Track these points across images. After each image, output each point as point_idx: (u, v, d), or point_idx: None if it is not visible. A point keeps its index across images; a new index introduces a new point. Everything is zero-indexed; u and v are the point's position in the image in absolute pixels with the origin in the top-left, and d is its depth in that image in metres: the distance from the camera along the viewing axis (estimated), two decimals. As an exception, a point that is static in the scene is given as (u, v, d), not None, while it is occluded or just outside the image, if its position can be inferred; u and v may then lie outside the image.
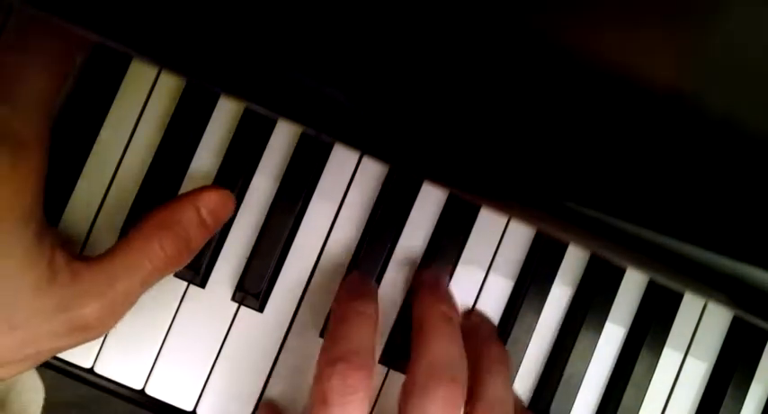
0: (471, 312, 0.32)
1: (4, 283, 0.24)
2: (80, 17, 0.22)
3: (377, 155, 0.25)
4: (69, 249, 0.27)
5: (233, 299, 0.31)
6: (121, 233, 0.31)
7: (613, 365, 0.33)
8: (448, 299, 0.30)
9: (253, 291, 0.31)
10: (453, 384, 0.26)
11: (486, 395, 0.28)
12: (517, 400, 0.32)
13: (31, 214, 0.24)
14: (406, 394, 0.26)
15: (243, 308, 0.31)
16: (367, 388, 0.26)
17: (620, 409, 0.32)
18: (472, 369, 0.28)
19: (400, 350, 0.31)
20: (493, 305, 0.32)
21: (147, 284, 0.27)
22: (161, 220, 0.27)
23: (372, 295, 0.30)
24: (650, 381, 0.32)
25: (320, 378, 0.26)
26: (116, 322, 0.27)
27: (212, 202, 0.28)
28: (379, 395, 0.32)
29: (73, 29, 0.22)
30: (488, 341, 0.30)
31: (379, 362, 0.32)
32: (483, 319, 0.32)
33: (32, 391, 0.30)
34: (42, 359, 0.27)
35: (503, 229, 0.32)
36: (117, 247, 0.27)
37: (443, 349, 0.27)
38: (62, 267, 0.25)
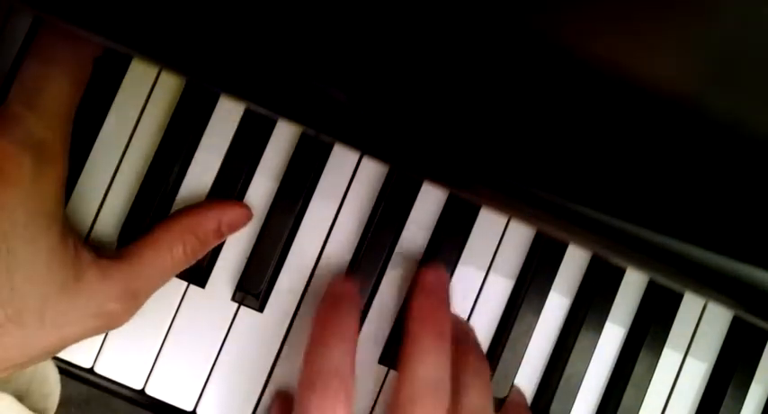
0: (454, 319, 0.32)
1: (33, 284, 0.25)
2: (82, 18, 0.22)
3: (377, 155, 0.25)
4: (93, 248, 0.28)
5: (233, 299, 0.31)
6: (122, 232, 0.31)
7: (613, 365, 0.33)
8: (444, 308, 0.30)
9: (253, 291, 0.31)
10: (438, 404, 0.27)
11: (466, 404, 0.28)
12: (522, 400, 0.32)
13: (55, 217, 0.26)
14: (392, 410, 0.27)
15: (243, 308, 0.31)
16: (345, 408, 0.26)
17: (620, 410, 0.32)
18: (453, 377, 0.28)
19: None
20: (493, 305, 0.32)
21: (165, 281, 0.30)
22: (188, 225, 0.30)
23: (353, 307, 0.30)
24: (650, 381, 0.32)
25: (300, 400, 0.27)
26: (132, 315, 0.29)
27: (233, 216, 0.31)
28: (378, 395, 0.32)
29: (74, 30, 0.22)
30: (469, 350, 0.30)
31: (379, 362, 0.32)
32: (463, 326, 0.32)
33: (52, 383, 0.30)
34: (65, 347, 0.28)
35: (503, 229, 0.32)
36: (143, 245, 0.29)
37: (431, 366, 0.28)
38: (88, 266, 0.27)
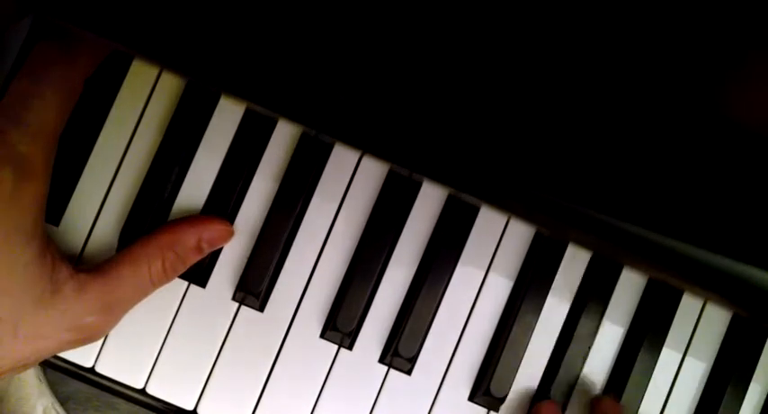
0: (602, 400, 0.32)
1: (9, 298, 0.25)
2: (83, 19, 0.22)
3: (377, 153, 0.25)
4: (72, 263, 0.28)
5: (233, 298, 0.32)
6: (122, 232, 0.31)
7: (612, 365, 0.33)
8: None
9: (253, 290, 0.31)
10: None
11: None
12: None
13: (34, 233, 0.26)
14: None
15: (243, 307, 0.32)
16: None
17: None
18: None
19: (398, 350, 0.31)
20: (492, 305, 0.32)
21: (144, 296, 0.30)
22: (167, 242, 0.29)
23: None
24: (649, 380, 0.32)
25: None
26: (112, 328, 0.30)
27: (214, 233, 0.30)
28: (379, 395, 0.32)
29: (76, 30, 0.22)
30: None
31: (379, 361, 0.32)
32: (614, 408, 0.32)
33: (30, 387, 0.31)
34: (41, 360, 0.28)
35: (503, 229, 0.32)
36: (121, 260, 0.29)
37: None
38: (65, 280, 0.27)
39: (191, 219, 0.31)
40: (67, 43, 0.27)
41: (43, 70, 0.26)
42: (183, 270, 0.30)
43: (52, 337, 0.27)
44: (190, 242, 0.30)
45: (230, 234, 0.31)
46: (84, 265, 0.31)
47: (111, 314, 0.29)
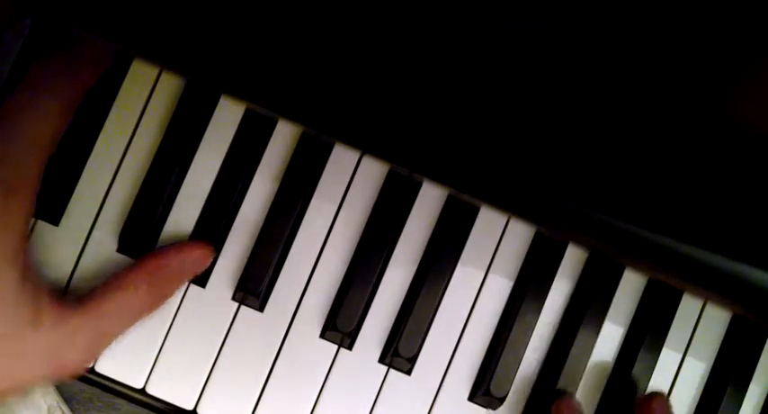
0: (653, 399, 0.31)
1: None
2: (84, 20, 0.22)
3: (376, 153, 0.25)
4: (55, 292, 0.27)
5: (233, 298, 0.32)
6: (123, 233, 0.31)
7: (612, 365, 0.33)
8: None
9: (253, 290, 0.31)
10: None
11: None
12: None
13: (16, 257, 0.25)
14: None
15: (243, 307, 0.32)
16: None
17: (619, 409, 0.32)
18: None
19: (398, 350, 0.31)
20: (492, 305, 0.32)
21: (126, 328, 0.29)
22: (149, 271, 0.29)
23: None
24: (649, 381, 0.32)
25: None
26: (90, 363, 0.29)
27: (194, 258, 0.30)
28: (379, 395, 0.32)
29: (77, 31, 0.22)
30: None
31: (379, 361, 0.32)
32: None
33: (10, 404, 0.30)
34: (17, 393, 0.28)
35: (503, 229, 0.32)
36: (104, 291, 0.28)
37: None
38: (47, 311, 0.26)
39: (171, 246, 0.30)
40: (70, 54, 0.27)
41: (44, 82, 0.26)
42: (169, 295, 0.30)
43: (29, 369, 0.25)
44: (171, 269, 0.29)
45: (210, 257, 0.31)
46: (84, 266, 0.31)
47: (92, 351, 0.28)
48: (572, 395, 0.32)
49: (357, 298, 0.31)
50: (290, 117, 0.28)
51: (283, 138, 0.32)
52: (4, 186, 0.24)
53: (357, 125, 0.23)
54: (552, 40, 0.20)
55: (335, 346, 0.32)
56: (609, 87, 0.21)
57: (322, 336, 0.32)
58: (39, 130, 0.25)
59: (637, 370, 0.32)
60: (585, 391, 0.33)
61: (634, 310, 0.33)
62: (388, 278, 0.32)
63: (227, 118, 0.31)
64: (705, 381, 0.33)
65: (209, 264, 0.31)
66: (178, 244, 0.30)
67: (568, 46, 0.20)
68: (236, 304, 0.32)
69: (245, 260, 0.31)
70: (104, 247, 0.31)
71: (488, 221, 0.32)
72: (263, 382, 0.31)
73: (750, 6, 0.19)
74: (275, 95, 0.24)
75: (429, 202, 0.32)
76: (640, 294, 0.33)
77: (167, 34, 0.22)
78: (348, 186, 0.32)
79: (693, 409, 0.33)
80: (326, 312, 0.32)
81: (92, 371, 0.31)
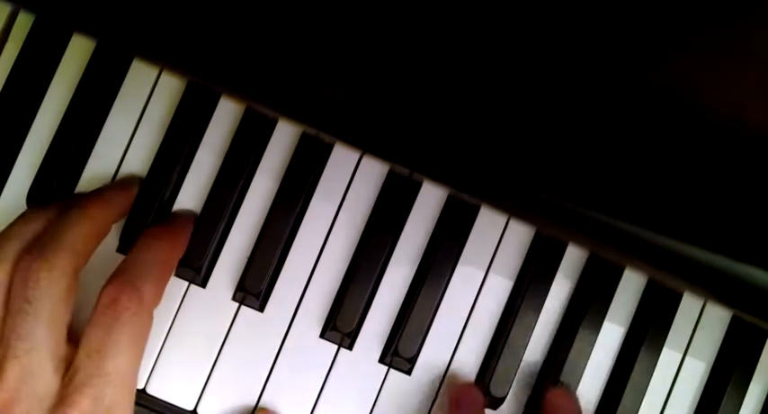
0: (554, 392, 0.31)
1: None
2: (84, 20, 0.22)
3: (377, 153, 0.25)
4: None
5: (234, 298, 0.32)
6: (123, 232, 0.31)
7: (612, 365, 0.33)
8: None
9: (253, 290, 0.31)
10: None
11: None
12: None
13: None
14: None
15: (243, 307, 0.32)
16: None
17: (619, 409, 0.32)
18: None
19: (398, 350, 0.31)
20: (492, 305, 0.32)
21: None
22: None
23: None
24: (649, 381, 0.32)
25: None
26: None
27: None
28: (379, 395, 0.32)
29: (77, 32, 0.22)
30: None
31: (379, 361, 0.32)
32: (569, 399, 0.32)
33: None
34: None
35: (502, 229, 0.32)
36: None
37: None
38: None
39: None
40: (134, 282, 0.27)
41: (114, 319, 0.26)
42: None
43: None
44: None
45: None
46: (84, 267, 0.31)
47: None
48: (564, 385, 0.32)
49: (357, 298, 0.31)
50: (291, 117, 0.28)
51: (283, 138, 0.32)
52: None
53: (357, 125, 0.23)
54: (548, 37, 0.20)
55: (335, 346, 0.32)
56: (608, 87, 0.21)
57: (322, 336, 0.32)
58: (121, 363, 0.26)
59: (637, 370, 0.32)
60: (586, 391, 0.32)
61: (634, 310, 0.33)
62: (388, 278, 0.32)
63: (227, 118, 0.31)
64: (705, 381, 0.33)
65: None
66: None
67: (567, 46, 0.20)
68: (236, 304, 0.32)
69: (245, 260, 0.31)
70: (106, 247, 0.31)
71: (488, 221, 0.32)
72: (264, 382, 0.31)
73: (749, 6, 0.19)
74: (275, 96, 0.24)
75: (429, 202, 0.32)
76: (640, 294, 0.33)
77: (167, 34, 0.22)
78: (348, 186, 0.32)
79: (693, 410, 0.33)
80: (326, 312, 0.32)
81: (92, 371, 0.31)
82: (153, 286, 0.28)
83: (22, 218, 0.29)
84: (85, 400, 0.25)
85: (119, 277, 0.27)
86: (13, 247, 0.27)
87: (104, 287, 0.27)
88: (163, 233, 0.30)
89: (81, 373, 0.26)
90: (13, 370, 0.25)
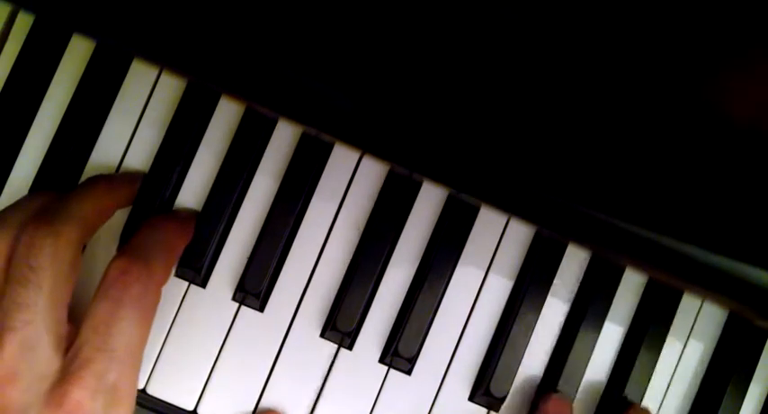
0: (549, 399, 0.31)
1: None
2: (83, 20, 0.22)
3: (377, 153, 0.25)
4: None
5: (234, 298, 0.32)
6: (124, 232, 0.31)
7: (613, 364, 0.33)
8: None
9: (253, 290, 0.31)
10: None
11: None
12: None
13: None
14: None
15: (243, 307, 0.32)
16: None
17: (618, 409, 0.32)
18: None
19: (398, 350, 0.31)
20: (492, 305, 0.32)
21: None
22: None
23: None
24: (649, 380, 0.32)
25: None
26: None
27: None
28: (378, 394, 0.32)
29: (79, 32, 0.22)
30: None
31: (379, 361, 0.32)
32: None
33: None
34: None
35: (502, 229, 0.32)
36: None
37: None
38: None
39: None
40: (144, 256, 0.26)
41: (123, 291, 0.25)
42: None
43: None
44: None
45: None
46: (85, 266, 0.31)
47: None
48: (559, 392, 0.32)
49: (357, 298, 0.31)
50: (291, 117, 0.28)
51: (283, 138, 0.32)
52: (109, 395, 0.24)
53: (357, 125, 0.23)
54: (549, 38, 0.20)
55: (335, 346, 0.32)
56: (608, 88, 0.21)
57: (322, 336, 0.32)
58: (128, 338, 0.25)
59: (637, 369, 0.32)
60: (586, 391, 0.32)
61: (634, 310, 0.33)
62: (389, 278, 0.32)
63: (227, 118, 0.31)
64: (705, 380, 0.33)
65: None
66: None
67: (567, 46, 0.20)
68: (236, 304, 0.32)
69: (245, 260, 0.31)
70: (105, 247, 0.31)
71: (488, 221, 0.32)
72: (264, 382, 0.31)
73: (750, 6, 0.19)
74: (275, 96, 0.24)
75: (429, 202, 0.32)
76: (640, 294, 0.33)
77: (167, 34, 0.22)
78: (348, 186, 0.32)
79: (693, 410, 0.33)
80: (326, 312, 0.32)
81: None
82: (162, 263, 0.27)
83: (26, 196, 0.29)
84: (90, 378, 0.24)
85: (127, 252, 0.26)
86: (17, 218, 0.26)
87: (112, 261, 0.26)
88: (169, 220, 0.29)
89: (86, 347, 0.24)
90: (10, 344, 0.24)
